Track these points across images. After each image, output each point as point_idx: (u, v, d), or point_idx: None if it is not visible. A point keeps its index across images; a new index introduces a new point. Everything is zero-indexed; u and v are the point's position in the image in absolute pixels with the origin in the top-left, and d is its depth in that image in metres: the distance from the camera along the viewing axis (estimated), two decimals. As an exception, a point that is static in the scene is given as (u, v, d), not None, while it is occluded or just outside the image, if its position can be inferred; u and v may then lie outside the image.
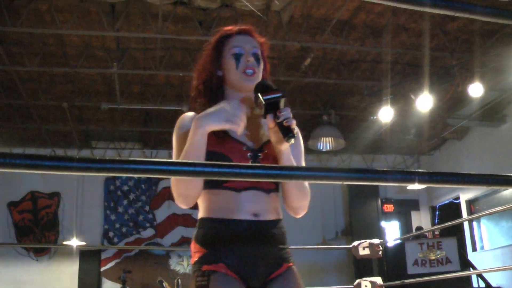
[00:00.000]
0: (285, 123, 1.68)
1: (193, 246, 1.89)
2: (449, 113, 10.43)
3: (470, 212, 11.83)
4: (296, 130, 1.97)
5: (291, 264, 1.90)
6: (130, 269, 11.79)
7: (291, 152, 1.89)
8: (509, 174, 1.04)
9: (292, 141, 1.69)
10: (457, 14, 1.12)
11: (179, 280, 10.67)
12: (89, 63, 8.71)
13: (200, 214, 1.91)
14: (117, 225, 12.64)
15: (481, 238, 11.65)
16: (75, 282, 11.91)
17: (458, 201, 12.22)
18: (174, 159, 1.88)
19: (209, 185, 1.86)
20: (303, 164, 2.04)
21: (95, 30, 7.68)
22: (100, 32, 7.70)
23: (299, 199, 1.89)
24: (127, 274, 11.33)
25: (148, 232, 12.73)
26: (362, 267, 11.15)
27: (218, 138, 1.86)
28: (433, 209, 13.46)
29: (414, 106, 8.99)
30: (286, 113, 1.70)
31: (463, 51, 8.45)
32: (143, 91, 10.00)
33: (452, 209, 12.41)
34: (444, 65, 8.84)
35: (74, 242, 11.22)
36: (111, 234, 12.54)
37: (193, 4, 7.27)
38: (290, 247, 1.98)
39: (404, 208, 13.53)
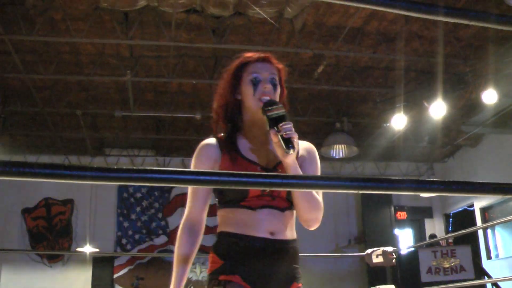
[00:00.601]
0: (284, 135, 1.80)
1: (211, 256, 1.99)
2: (462, 120, 10.37)
3: (484, 219, 11.73)
4: (311, 148, 2.14)
5: (300, 285, 2.00)
6: (143, 276, 11.82)
7: (307, 169, 2.03)
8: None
9: (292, 151, 1.80)
10: (471, 23, 1.12)
11: (192, 287, 10.68)
12: (102, 71, 8.78)
13: (219, 228, 2.03)
14: (130, 232, 12.67)
15: (495, 246, 11.55)
16: (88, 289, 11.96)
17: (472, 209, 12.13)
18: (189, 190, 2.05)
19: (226, 205, 1.99)
20: None
21: (108, 38, 7.75)
22: (114, 40, 7.77)
23: (310, 212, 1.96)
24: (140, 281, 11.37)
25: (161, 239, 12.75)
26: (375, 275, 11.09)
27: (232, 159, 1.99)
28: (446, 216, 13.36)
29: (427, 113, 8.95)
30: (287, 126, 1.82)
31: (477, 58, 8.41)
32: (156, 99, 10.05)
33: (466, 217, 12.31)
34: (458, 72, 8.80)
35: (88, 249, 11.28)
36: (124, 241, 12.58)
37: (206, 12, 7.30)
38: (303, 254, 2.02)
39: (418, 215, 13.45)
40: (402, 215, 13.04)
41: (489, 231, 11.54)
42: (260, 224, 1.92)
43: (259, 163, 2.00)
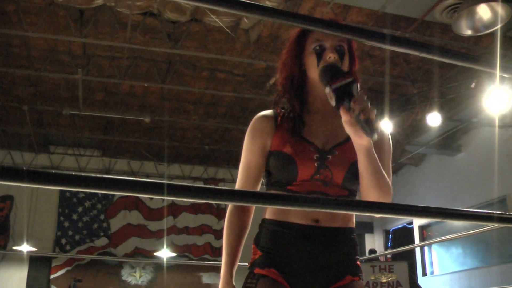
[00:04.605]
0: (362, 117, 1.45)
1: (252, 247, 1.82)
2: (407, 140, 10.69)
3: (422, 237, 12.08)
4: (381, 128, 1.87)
5: (356, 278, 1.77)
6: (81, 278, 11.61)
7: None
8: (461, 209, 1.11)
9: (376, 136, 1.46)
10: (415, 53, 1.19)
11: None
12: (53, 67, 8.62)
13: (264, 214, 1.84)
14: (70, 232, 12.43)
15: (431, 263, 11.90)
16: (23, 289, 11.65)
17: (411, 226, 12.47)
18: (241, 162, 1.87)
19: (272, 186, 1.80)
20: (390, 168, 1.88)
21: (62, 34, 7.62)
22: (67, 37, 7.65)
23: (378, 198, 1.69)
24: (77, 283, 11.15)
25: (102, 241, 12.56)
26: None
27: (285, 136, 1.78)
28: (386, 232, 13.69)
29: (374, 131, 9.16)
30: (363, 102, 1.49)
31: (424, 81, 8.70)
32: (106, 99, 9.93)
33: (405, 234, 12.64)
34: (405, 93, 9.08)
35: (25, 248, 10.99)
36: (63, 241, 12.32)
37: (163, 16, 7.30)
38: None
39: (359, 230, 13.70)
40: (344, 229, 13.25)
41: (426, 248, 11.89)
42: (305, 211, 1.69)
43: (315, 143, 1.75)
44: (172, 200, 12.55)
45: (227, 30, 7.43)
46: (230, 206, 1.85)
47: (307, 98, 1.86)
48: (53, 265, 12.11)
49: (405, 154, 11.66)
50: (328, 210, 1.61)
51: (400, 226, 13.12)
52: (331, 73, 1.55)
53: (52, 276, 12.03)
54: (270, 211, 1.80)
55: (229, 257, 1.79)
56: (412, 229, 12.41)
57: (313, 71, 1.78)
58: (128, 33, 7.44)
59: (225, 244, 1.81)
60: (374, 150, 1.63)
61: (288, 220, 1.73)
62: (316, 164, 1.71)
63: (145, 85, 8.98)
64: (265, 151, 1.81)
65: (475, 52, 7.75)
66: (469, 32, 6.15)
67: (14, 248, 11.47)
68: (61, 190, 12.50)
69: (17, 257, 11.77)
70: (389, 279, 9.98)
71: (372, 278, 10.07)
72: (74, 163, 12.47)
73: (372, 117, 1.46)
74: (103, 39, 7.78)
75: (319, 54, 1.78)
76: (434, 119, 8.53)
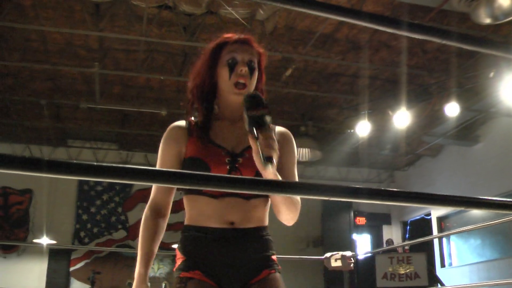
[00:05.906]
0: (265, 152, 1.60)
1: (177, 252, 1.93)
2: (424, 130, 10.59)
3: (440, 228, 12.00)
4: (287, 135, 2.04)
5: (273, 271, 1.90)
6: (100, 270, 11.70)
7: (284, 157, 1.93)
8: (480, 197, 1.09)
9: (270, 166, 1.61)
10: (433, 39, 1.17)
11: (149, 284, 10.58)
12: (70, 61, 8.67)
13: (185, 220, 1.95)
14: (89, 225, 12.54)
15: (450, 254, 11.82)
16: (43, 281, 11.77)
17: (429, 218, 12.39)
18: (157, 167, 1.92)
19: (189, 191, 1.91)
20: (295, 172, 2.01)
21: (78, 28, 7.65)
22: (83, 31, 7.68)
23: (287, 213, 1.87)
24: (96, 275, 11.23)
25: (120, 234, 12.65)
26: (332, 278, 11.21)
27: (198, 143, 1.89)
28: (404, 224, 13.61)
29: (391, 122, 9.12)
30: (268, 139, 1.62)
31: (442, 71, 8.61)
32: (122, 92, 9.97)
33: (423, 225, 12.57)
34: (423, 83, 8.99)
35: (44, 241, 11.11)
36: (82, 234, 12.44)
37: (178, 9, 7.29)
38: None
39: (376, 221, 13.66)
40: (361, 220, 13.22)
41: (444, 239, 11.81)
42: (220, 214, 1.83)
43: (226, 147, 1.89)
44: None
45: (243, 21, 7.41)
46: (146, 210, 2.00)
47: (218, 106, 1.99)
48: (72, 257, 12.23)
49: (422, 145, 11.56)
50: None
51: (417, 217, 13.04)
52: (252, 102, 1.68)
53: (71, 269, 12.16)
54: (189, 218, 1.93)
55: (144, 259, 1.97)
56: (430, 220, 12.33)
57: (224, 83, 1.92)
58: (144, 26, 7.45)
59: (141, 246, 1.97)
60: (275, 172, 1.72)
61: (205, 225, 1.86)
62: (228, 167, 1.84)
63: (161, 78, 9.00)
64: (180, 158, 1.93)
65: (494, 41, 7.64)
66: (488, 21, 6.08)
67: (34, 241, 11.60)
68: (79, 183, 12.61)
69: (37, 250, 11.91)
70: (407, 271, 9.93)
71: (390, 269, 10.04)
72: (92, 156, 12.55)
73: (271, 154, 1.61)
74: (119, 33, 7.80)
75: (232, 67, 1.92)
76: (452, 109, 8.45)
